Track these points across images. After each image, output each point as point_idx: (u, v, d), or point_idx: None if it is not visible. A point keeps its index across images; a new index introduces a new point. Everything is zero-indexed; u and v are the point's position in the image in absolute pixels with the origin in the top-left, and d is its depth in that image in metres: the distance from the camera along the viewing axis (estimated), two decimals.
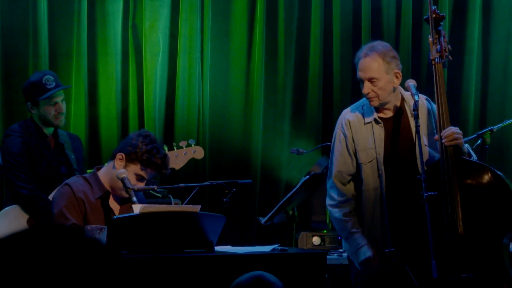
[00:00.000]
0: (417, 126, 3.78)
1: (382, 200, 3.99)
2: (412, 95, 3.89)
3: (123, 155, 3.87)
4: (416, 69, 6.14)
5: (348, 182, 4.09)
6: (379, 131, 4.03)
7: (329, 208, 4.11)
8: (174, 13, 5.86)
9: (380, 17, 6.22)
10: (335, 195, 4.07)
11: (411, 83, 3.98)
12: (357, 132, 4.06)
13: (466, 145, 4.00)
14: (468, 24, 6.13)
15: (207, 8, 5.90)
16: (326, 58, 6.17)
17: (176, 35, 5.85)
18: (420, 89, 4.18)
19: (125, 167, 3.86)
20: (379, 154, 4.01)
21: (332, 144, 4.15)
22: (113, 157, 3.92)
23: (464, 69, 6.07)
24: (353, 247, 4.00)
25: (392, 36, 6.10)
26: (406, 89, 4.03)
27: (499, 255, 3.79)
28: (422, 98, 4.11)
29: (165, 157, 3.90)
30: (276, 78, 6.09)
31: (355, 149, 4.06)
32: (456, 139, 3.84)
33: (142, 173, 3.86)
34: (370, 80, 3.96)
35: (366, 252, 3.96)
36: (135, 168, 3.85)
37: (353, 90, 6.15)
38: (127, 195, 3.83)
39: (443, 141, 3.83)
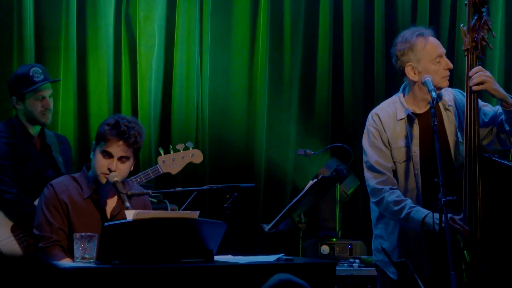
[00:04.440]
0: (435, 125, 3.66)
1: (418, 201, 3.94)
2: (429, 92, 3.82)
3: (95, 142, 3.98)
4: None
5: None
6: (414, 128, 4.00)
7: (378, 195, 3.95)
8: (171, 3, 5.86)
9: (395, 4, 6.25)
10: (381, 184, 3.97)
11: (428, 78, 3.88)
12: (390, 129, 4.03)
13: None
14: (490, 15, 6.09)
15: None
16: (336, 51, 6.17)
17: (173, 27, 5.84)
18: None
19: (94, 149, 3.91)
20: (414, 152, 3.98)
21: (365, 143, 4.08)
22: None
23: (486, 63, 5.94)
24: (418, 217, 3.81)
25: (408, 27, 6.00)
26: (423, 84, 3.96)
27: None
28: (452, 93, 4.09)
29: (126, 122, 3.88)
30: (281, 73, 6.09)
31: (390, 145, 4.02)
32: (484, 81, 3.78)
33: (107, 148, 3.85)
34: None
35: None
36: (99, 144, 3.91)
37: (365, 87, 6.19)
38: (104, 181, 3.88)
39: (470, 83, 3.78)
